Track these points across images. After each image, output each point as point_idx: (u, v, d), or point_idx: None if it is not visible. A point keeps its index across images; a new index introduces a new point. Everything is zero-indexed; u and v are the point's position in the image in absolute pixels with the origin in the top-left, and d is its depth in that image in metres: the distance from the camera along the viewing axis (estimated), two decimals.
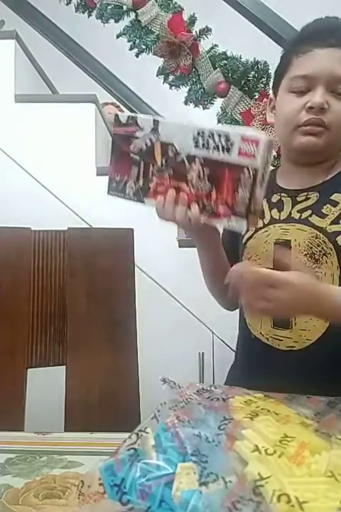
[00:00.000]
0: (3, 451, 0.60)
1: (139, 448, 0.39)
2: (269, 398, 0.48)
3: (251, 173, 0.65)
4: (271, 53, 1.64)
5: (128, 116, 0.75)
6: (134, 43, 1.53)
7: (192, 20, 1.50)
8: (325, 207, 0.79)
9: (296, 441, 0.37)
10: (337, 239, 0.76)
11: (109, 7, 1.55)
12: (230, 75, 1.47)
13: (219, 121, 1.54)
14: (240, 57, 1.50)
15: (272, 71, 1.51)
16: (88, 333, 0.95)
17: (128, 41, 1.55)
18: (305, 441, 0.38)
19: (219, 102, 1.54)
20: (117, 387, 0.93)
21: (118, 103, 2.29)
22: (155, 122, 0.72)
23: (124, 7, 1.53)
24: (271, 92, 0.90)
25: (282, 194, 0.85)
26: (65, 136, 1.72)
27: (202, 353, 1.65)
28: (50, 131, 1.72)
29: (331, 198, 0.79)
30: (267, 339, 0.82)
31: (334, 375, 0.75)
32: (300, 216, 0.80)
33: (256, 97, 1.49)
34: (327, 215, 0.78)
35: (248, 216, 0.67)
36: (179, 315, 1.68)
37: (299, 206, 0.82)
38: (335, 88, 0.76)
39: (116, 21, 1.56)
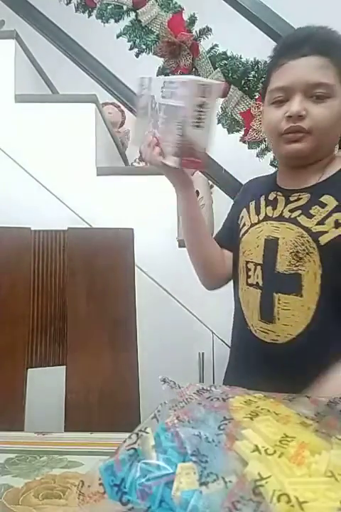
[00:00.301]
0: (3, 451, 0.60)
1: (139, 448, 0.39)
2: (269, 398, 0.48)
3: (182, 113, 0.73)
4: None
5: (141, 78, 0.90)
6: (134, 43, 1.53)
7: (192, 20, 1.50)
8: (313, 208, 0.82)
9: (296, 441, 0.37)
10: (320, 238, 0.79)
11: (109, 7, 1.55)
12: (230, 75, 1.47)
13: (219, 122, 1.54)
14: (240, 57, 1.50)
15: None
16: (88, 333, 0.95)
17: (128, 41, 1.55)
18: (305, 441, 0.38)
19: (219, 102, 1.54)
20: (117, 387, 0.93)
21: (118, 103, 2.29)
22: (149, 79, 0.86)
23: (124, 7, 1.53)
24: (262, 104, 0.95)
25: (278, 193, 0.89)
26: (65, 136, 1.73)
27: (202, 353, 1.66)
28: (50, 131, 1.72)
29: (320, 199, 0.82)
30: (255, 331, 0.86)
31: (314, 369, 0.77)
32: (290, 215, 0.84)
33: (256, 97, 1.49)
34: (314, 215, 0.81)
35: (181, 155, 0.76)
36: (179, 315, 1.69)
37: (291, 206, 0.85)
38: (312, 93, 0.79)
39: (116, 21, 1.56)
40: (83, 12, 1.66)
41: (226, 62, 1.48)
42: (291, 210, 0.84)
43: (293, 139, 0.81)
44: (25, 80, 1.94)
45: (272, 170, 1.57)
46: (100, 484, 0.38)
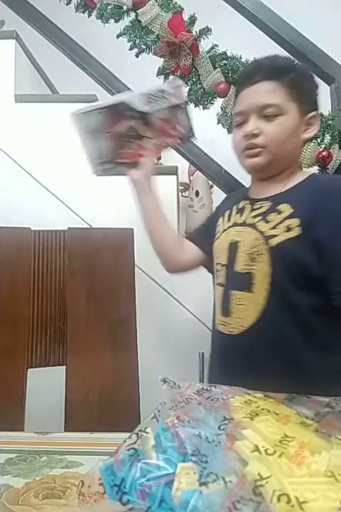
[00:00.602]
0: (3, 451, 0.60)
1: (139, 448, 0.39)
2: (269, 398, 0.48)
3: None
4: (270, 53, 1.64)
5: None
6: (134, 43, 1.53)
7: (192, 20, 1.50)
8: (271, 214, 0.91)
9: (296, 441, 0.37)
10: (269, 241, 0.88)
11: (109, 7, 1.55)
12: (230, 75, 1.47)
13: (219, 122, 1.54)
14: (240, 57, 1.50)
15: None
16: (88, 333, 0.95)
17: (128, 41, 1.54)
18: (305, 441, 0.38)
19: (219, 102, 1.54)
20: (117, 387, 0.93)
21: None
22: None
23: (124, 7, 1.53)
24: None
25: (246, 202, 1.00)
26: (65, 136, 1.72)
27: (202, 353, 1.65)
28: (50, 131, 1.72)
29: (278, 207, 0.91)
30: (218, 325, 0.96)
31: (265, 357, 0.87)
32: (252, 221, 0.94)
33: None
34: (271, 221, 0.90)
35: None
36: (179, 315, 1.69)
37: (254, 213, 0.95)
38: (264, 113, 0.92)
39: (116, 21, 1.56)
40: (83, 12, 1.66)
41: (226, 62, 1.48)
42: (254, 217, 0.94)
43: (251, 155, 0.94)
44: (25, 80, 1.93)
45: None
46: (100, 484, 0.38)
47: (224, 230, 1.00)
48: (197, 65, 1.50)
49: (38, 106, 1.77)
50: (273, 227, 0.89)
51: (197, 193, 2.23)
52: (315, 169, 1.49)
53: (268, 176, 0.97)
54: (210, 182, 2.18)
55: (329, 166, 1.51)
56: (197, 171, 2.19)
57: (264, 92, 0.93)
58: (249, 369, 0.85)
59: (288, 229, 0.87)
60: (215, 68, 1.49)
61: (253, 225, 0.92)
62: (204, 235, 1.10)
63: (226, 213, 1.03)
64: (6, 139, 1.73)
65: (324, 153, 1.49)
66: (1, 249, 0.94)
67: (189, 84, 1.53)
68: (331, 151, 1.50)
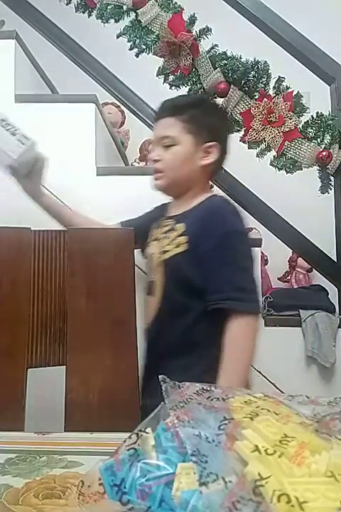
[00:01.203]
0: (3, 451, 0.60)
1: (139, 448, 0.39)
2: (269, 398, 0.48)
3: None
4: (271, 53, 1.64)
5: None
6: (134, 43, 1.53)
7: (192, 20, 1.50)
8: (170, 232, 1.09)
9: (296, 441, 0.37)
10: (164, 255, 1.08)
11: (109, 7, 1.55)
12: (230, 75, 1.47)
13: None
14: (240, 57, 1.50)
15: (272, 71, 1.51)
16: (88, 333, 0.95)
17: (128, 41, 1.54)
18: (305, 441, 0.38)
19: (219, 102, 1.54)
20: (117, 387, 0.93)
21: (118, 103, 2.29)
22: None
23: (124, 7, 1.53)
24: None
25: (162, 218, 1.17)
26: (65, 136, 1.72)
27: None
28: (50, 131, 1.72)
29: (175, 226, 1.09)
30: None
31: (158, 353, 1.08)
32: (159, 237, 1.13)
33: (256, 97, 1.49)
34: (169, 238, 1.09)
35: None
36: None
37: (162, 230, 1.14)
38: (163, 143, 1.12)
39: (116, 21, 1.56)
40: (83, 12, 1.66)
41: (226, 62, 1.48)
42: (161, 233, 1.13)
43: (155, 178, 1.15)
44: (25, 80, 1.93)
45: (272, 170, 1.57)
46: (100, 484, 0.38)
47: (149, 242, 1.18)
48: (197, 65, 1.50)
49: (38, 106, 1.77)
50: (169, 244, 1.08)
51: None
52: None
53: (174, 195, 1.18)
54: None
55: (329, 166, 1.51)
56: None
57: (164, 126, 1.12)
58: (153, 359, 1.09)
59: (178, 245, 1.05)
60: (215, 68, 1.49)
61: (159, 240, 1.13)
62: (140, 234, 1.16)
63: (154, 226, 1.19)
64: None
65: (324, 153, 1.49)
66: (1, 249, 0.94)
67: (189, 84, 1.54)
68: (331, 151, 1.50)
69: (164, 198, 1.24)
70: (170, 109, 1.13)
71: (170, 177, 1.12)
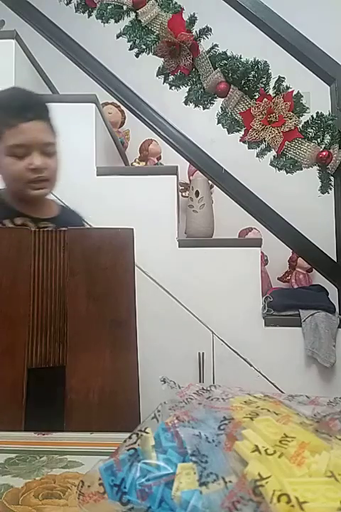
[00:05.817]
0: (3, 451, 0.60)
1: (139, 448, 0.39)
2: (269, 398, 0.48)
3: None
4: (271, 53, 1.64)
5: None
6: (134, 42, 1.53)
7: (192, 20, 1.50)
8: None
9: (296, 441, 0.37)
10: None
11: (109, 7, 1.55)
12: (230, 75, 1.47)
13: (219, 122, 1.54)
14: (240, 57, 1.50)
15: (272, 71, 1.51)
16: (88, 333, 0.95)
17: (128, 41, 1.54)
18: (305, 441, 0.38)
19: (219, 102, 1.54)
20: (117, 387, 0.93)
21: (118, 103, 2.29)
22: None
23: (124, 7, 1.53)
24: None
25: (26, 219, 1.09)
26: (65, 136, 1.72)
27: (202, 353, 1.66)
28: None
29: (62, 228, 1.02)
30: None
31: None
32: None
33: (256, 97, 1.49)
34: None
35: None
36: (179, 315, 1.68)
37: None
38: (46, 150, 1.04)
39: (116, 21, 1.56)
40: (83, 12, 1.66)
41: (226, 62, 1.48)
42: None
43: (38, 187, 1.06)
44: (25, 80, 1.93)
45: (272, 170, 1.57)
46: (100, 484, 0.38)
47: None
48: (197, 65, 1.50)
49: None
50: None
51: (197, 193, 2.23)
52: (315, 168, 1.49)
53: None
54: (210, 182, 2.18)
55: (329, 166, 1.51)
56: (197, 171, 2.19)
57: (43, 131, 1.05)
58: None
59: None
60: (215, 68, 1.49)
61: None
62: None
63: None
64: None
65: (324, 153, 1.49)
66: (1, 249, 0.94)
67: (189, 84, 1.54)
68: (331, 151, 1.49)
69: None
70: (40, 110, 1.07)
71: (53, 184, 1.12)
